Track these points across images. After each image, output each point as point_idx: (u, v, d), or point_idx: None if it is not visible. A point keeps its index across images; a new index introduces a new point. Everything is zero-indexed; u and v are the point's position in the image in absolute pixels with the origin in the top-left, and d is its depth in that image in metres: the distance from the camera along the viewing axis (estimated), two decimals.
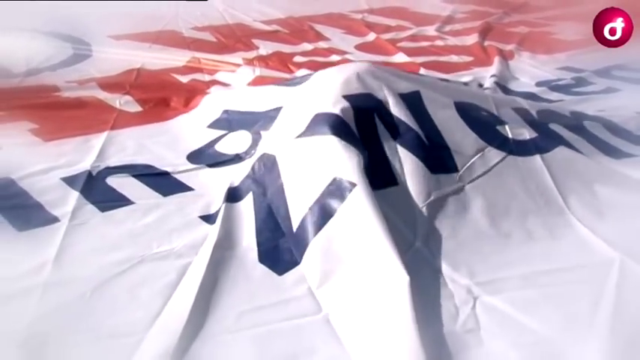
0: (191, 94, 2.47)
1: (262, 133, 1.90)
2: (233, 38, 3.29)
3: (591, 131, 2.01)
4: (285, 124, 1.81)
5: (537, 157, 1.75)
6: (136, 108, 2.37)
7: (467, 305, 1.26)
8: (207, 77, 2.73)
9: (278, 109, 1.94)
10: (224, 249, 1.44)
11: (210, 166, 1.88)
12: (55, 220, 1.59)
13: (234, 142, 1.95)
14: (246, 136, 1.93)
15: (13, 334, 1.19)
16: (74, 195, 1.70)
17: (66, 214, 1.61)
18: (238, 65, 2.88)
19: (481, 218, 1.50)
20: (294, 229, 1.45)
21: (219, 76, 2.74)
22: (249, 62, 2.94)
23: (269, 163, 1.67)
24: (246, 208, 1.59)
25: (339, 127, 1.60)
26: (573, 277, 1.34)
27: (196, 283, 1.32)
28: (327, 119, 1.63)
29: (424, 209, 1.49)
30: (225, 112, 2.14)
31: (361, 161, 1.49)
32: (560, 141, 1.86)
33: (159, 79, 2.69)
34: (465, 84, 2.46)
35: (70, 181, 1.77)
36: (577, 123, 2.04)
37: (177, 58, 2.94)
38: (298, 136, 1.66)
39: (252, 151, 1.83)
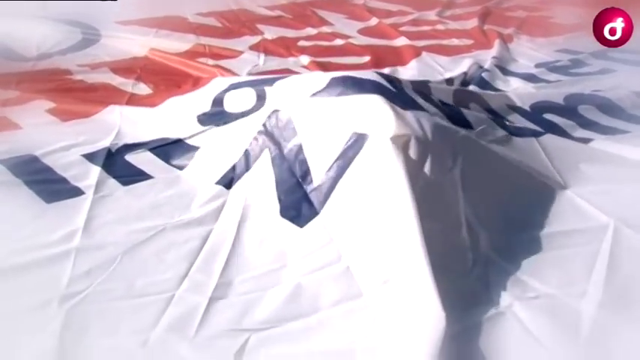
0: (199, 78, 2.54)
1: (266, 89, 1.97)
2: (238, 23, 3.36)
3: (585, 115, 2.11)
4: (296, 83, 1.88)
5: (533, 140, 1.85)
6: (147, 91, 2.44)
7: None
8: (211, 62, 2.79)
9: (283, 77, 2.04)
10: (245, 209, 1.53)
11: (220, 125, 1.95)
12: (80, 192, 1.67)
13: (239, 99, 2.01)
14: (249, 92, 2.00)
15: (54, 293, 1.27)
16: (96, 170, 1.78)
17: (90, 186, 1.70)
18: (242, 52, 2.94)
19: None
20: (315, 185, 1.54)
21: (223, 63, 2.80)
22: (254, 47, 3.01)
23: (283, 121, 1.74)
24: (264, 166, 1.67)
25: (356, 86, 1.67)
26: (571, 241, 1.43)
27: (221, 244, 1.41)
28: (343, 80, 1.70)
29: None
30: (231, 84, 2.22)
31: (379, 113, 1.56)
32: (554, 128, 1.96)
33: (166, 64, 2.76)
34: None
35: (90, 157, 1.86)
36: (571, 109, 2.13)
37: (183, 43, 3.00)
38: (314, 95, 1.72)
39: (260, 106, 1.90)
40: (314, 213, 1.50)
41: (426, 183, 1.41)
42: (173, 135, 1.96)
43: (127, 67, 2.64)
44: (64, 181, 1.73)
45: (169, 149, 1.89)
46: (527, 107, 2.07)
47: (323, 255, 1.38)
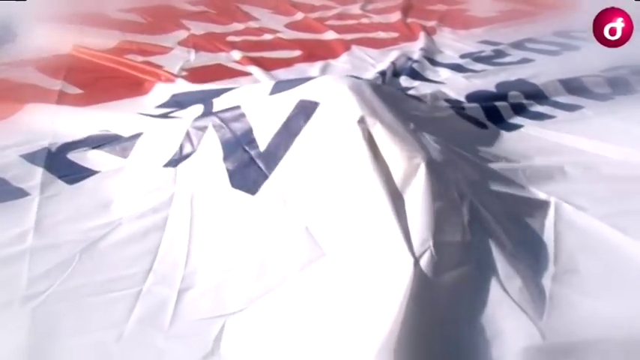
0: (129, 76, 2.50)
1: (214, 100, 1.97)
2: (161, 19, 3.32)
3: (515, 102, 2.21)
4: (243, 92, 1.90)
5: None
6: (76, 90, 2.38)
7: None
8: (140, 58, 2.74)
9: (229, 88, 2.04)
10: (196, 187, 1.55)
11: (164, 116, 1.96)
12: (25, 193, 1.62)
13: (187, 113, 2.01)
14: (198, 108, 2.00)
15: (13, 295, 1.24)
16: (38, 170, 1.73)
17: (34, 187, 1.65)
18: (171, 48, 2.91)
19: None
20: (262, 150, 1.56)
21: (153, 59, 2.76)
22: (183, 43, 2.98)
23: (229, 106, 1.77)
24: (209, 141, 1.68)
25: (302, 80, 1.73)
26: (519, 218, 1.51)
27: (180, 230, 1.41)
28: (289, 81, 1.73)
29: None
30: (174, 95, 2.20)
31: (327, 84, 1.61)
32: (492, 115, 2.07)
33: (94, 61, 2.70)
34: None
35: (30, 157, 1.80)
36: (503, 96, 2.24)
37: (109, 39, 2.93)
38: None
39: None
40: (263, 177, 1.50)
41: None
42: (114, 130, 1.92)
43: (52, 66, 2.56)
44: (4, 182, 1.68)
45: (112, 142, 1.85)
46: (462, 98, 2.15)
47: (280, 220, 1.39)
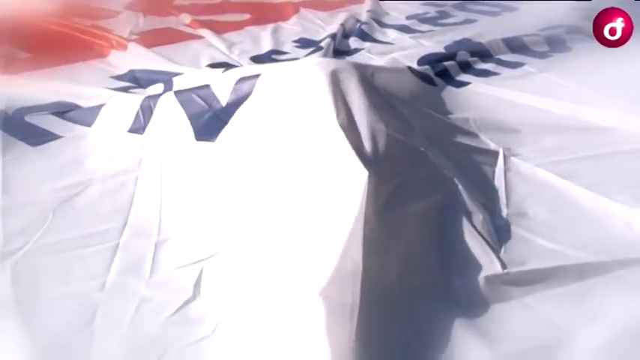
0: (80, 40, 2.49)
1: (174, 79, 2.00)
2: None
3: (463, 60, 2.31)
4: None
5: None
6: (24, 55, 2.35)
7: None
8: (88, 22, 2.71)
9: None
10: (163, 147, 1.61)
11: (124, 90, 1.98)
12: None
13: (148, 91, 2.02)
14: (159, 86, 2.02)
15: None
16: None
17: None
18: (118, 12, 2.88)
19: None
20: (224, 104, 1.63)
21: (102, 23, 2.73)
22: (130, 7, 2.95)
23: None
24: (170, 103, 1.73)
25: None
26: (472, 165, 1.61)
27: (151, 187, 1.46)
28: None
29: None
30: (132, 70, 2.20)
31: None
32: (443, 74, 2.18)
33: (38, 25, 2.64)
34: None
35: None
36: (452, 55, 2.33)
37: (52, 3, 2.87)
38: None
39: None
40: (223, 124, 1.57)
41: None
42: (74, 100, 1.92)
43: None
44: None
45: (73, 110, 1.86)
46: (414, 64, 2.23)
47: (240, 162, 1.46)
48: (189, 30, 2.70)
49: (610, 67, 2.17)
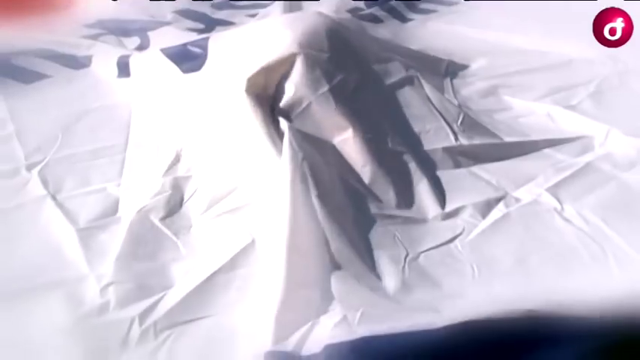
0: None
1: (149, 34, 2.18)
2: None
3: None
4: None
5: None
6: None
7: None
8: None
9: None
10: (152, 82, 1.79)
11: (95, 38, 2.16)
12: None
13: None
14: (134, 40, 2.18)
15: (17, 164, 1.48)
16: None
17: None
18: None
19: None
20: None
21: None
22: None
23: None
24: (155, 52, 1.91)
25: None
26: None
27: (145, 112, 1.66)
28: None
29: None
30: (100, 21, 2.35)
31: None
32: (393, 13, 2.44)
33: None
34: None
35: None
36: None
37: None
38: None
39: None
40: (204, 57, 1.75)
41: None
42: (54, 47, 2.08)
43: None
44: None
45: (57, 56, 2.02)
46: (362, 5, 2.46)
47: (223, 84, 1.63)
48: None
49: (530, 3, 2.48)
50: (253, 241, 1.20)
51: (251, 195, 1.30)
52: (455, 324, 0.96)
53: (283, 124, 1.33)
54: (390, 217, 1.28)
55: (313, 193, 1.17)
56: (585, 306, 1.01)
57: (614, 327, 0.98)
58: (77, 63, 2.00)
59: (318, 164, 1.26)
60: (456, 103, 1.66)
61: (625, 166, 1.46)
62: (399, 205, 1.30)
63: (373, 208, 1.28)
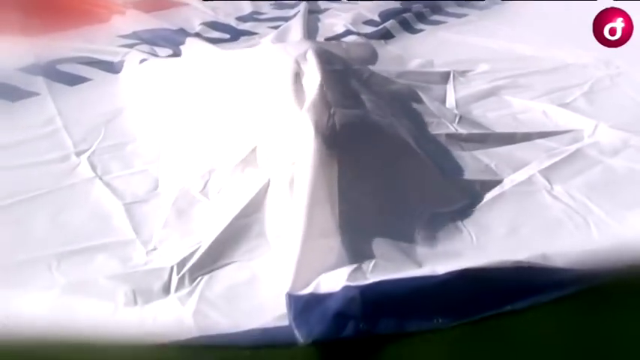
0: (77, 6, 2.83)
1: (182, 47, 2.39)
2: None
3: (417, 11, 2.76)
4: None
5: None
6: (32, 20, 2.67)
7: None
8: None
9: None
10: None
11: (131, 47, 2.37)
12: (35, 93, 2.01)
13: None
14: (167, 51, 2.38)
15: (67, 151, 1.68)
16: (38, 78, 2.10)
17: (42, 89, 2.04)
18: None
19: None
20: None
21: None
22: None
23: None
24: None
25: None
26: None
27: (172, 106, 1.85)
28: None
29: None
30: (135, 32, 2.56)
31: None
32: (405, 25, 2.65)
33: None
34: None
35: (26, 70, 2.15)
36: (408, 9, 2.77)
37: None
38: None
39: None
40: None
41: None
42: (94, 55, 2.29)
43: None
44: (14, 88, 2.03)
45: (97, 62, 2.24)
46: (377, 17, 2.68)
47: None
48: None
49: (534, 14, 2.66)
50: (268, 183, 1.37)
51: (272, 147, 1.45)
52: (453, 271, 1.12)
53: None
54: None
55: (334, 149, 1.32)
56: (566, 259, 1.17)
57: (591, 276, 1.15)
58: (114, 68, 2.21)
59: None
60: (455, 110, 1.85)
61: (610, 153, 1.63)
62: None
63: None
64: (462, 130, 1.66)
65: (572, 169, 1.56)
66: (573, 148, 1.64)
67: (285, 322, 1.10)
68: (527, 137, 1.68)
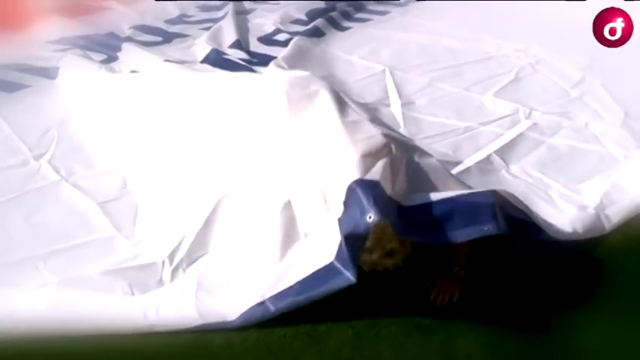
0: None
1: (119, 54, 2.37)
2: None
3: (343, 10, 2.87)
4: None
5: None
6: None
7: None
8: None
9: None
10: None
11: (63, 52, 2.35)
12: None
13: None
14: (102, 56, 2.37)
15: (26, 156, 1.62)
16: None
17: None
18: None
19: None
20: None
21: None
22: None
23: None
24: None
25: None
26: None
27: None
28: None
29: None
30: (64, 38, 2.52)
31: None
32: (333, 23, 2.75)
33: None
34: None
35: None
36: (333, 8, 2.88)
37: None
38: None
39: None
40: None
41: None
42: (27, 61, 2.25)
43: None
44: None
45: (32, 68, 2.19)
46: (304, 16, 2.76)
47: None
48: (96, 3, 2.99)
49: (450, 9, 2.83)
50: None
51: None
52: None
53: None
54: None
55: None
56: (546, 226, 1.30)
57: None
58: (50, 74, 2.17)
59: None
60: (399, 103, 1.97)
61: (549, 134, 1.78)
62: None
63: None
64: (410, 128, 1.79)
65: (521, 150, 1.70)
66: (516, 132, 1.78)
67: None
68: (470, 129, 1.81)
